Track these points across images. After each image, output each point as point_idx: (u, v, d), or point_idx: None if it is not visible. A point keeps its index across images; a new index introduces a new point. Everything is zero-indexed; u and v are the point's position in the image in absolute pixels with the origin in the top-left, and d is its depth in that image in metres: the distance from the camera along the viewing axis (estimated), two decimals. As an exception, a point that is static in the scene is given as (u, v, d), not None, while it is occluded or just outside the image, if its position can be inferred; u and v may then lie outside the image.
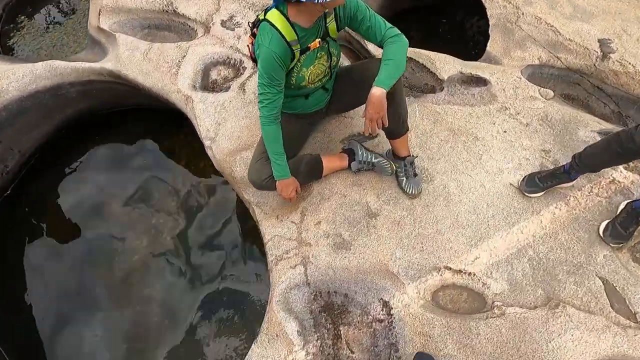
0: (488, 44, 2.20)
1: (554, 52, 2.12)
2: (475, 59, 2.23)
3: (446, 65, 2.06)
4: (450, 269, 1.48)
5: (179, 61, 2.07)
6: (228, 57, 2.08)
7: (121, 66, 2.09)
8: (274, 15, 1.26)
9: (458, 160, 1.73)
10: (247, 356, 1.37)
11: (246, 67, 2.03)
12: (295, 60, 1.32)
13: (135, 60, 2.09)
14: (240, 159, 1.72)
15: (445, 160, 1.74)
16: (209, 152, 1.81)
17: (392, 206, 1.61)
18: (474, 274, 1.47)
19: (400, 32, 1.33)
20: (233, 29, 2.17)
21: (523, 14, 2.21)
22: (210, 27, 2.20)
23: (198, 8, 2.24)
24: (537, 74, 2.13)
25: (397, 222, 1.56)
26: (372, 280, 1.46)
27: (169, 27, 2.30)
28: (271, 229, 1.58)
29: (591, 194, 1.64)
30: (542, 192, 1.60)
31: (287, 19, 1.26)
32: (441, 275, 1.47)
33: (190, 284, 1.99)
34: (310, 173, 1.60)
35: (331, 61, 1.42)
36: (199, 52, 2.09)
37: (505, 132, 1.89)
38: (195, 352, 1.83)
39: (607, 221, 1.52)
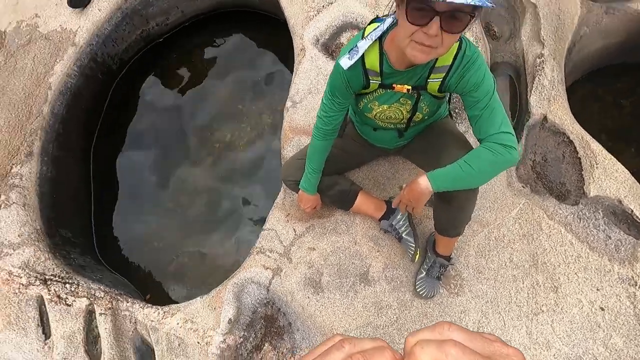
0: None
1: None
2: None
3: (609, 175, 1.49)
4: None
5: (323, 6, 1.92)
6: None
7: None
8: (372, 29, 1.01)
9: (507, 298, 1.37)
10: (184, 304, 1.53)
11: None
12: (369, 89, 1.09)
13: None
14: (296, 141, 1.65)
15: (491, 287, 1.38)
16: (284, 114, 1.77)
17: (389, 287, 1.41)
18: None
19: (513, 145, 0.96)
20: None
21: None
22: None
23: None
24: None
25: (379, 306, 1.38)
26: (314, 335, 1.39)
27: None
28: (275, 222, 1.56)
29: None
30: None
31: (381, 44, 1.00)
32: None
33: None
34: (338, 201, 1.46)
35: (414, 115, 1.13)
36: (346, 6, 1.89)
37: (602, 309, 1.37)
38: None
39: None
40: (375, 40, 0.99)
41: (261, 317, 1.48)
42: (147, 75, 2.60)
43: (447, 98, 1.31)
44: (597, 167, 1.59)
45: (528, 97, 1.77)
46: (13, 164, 1.93)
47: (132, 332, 1.56)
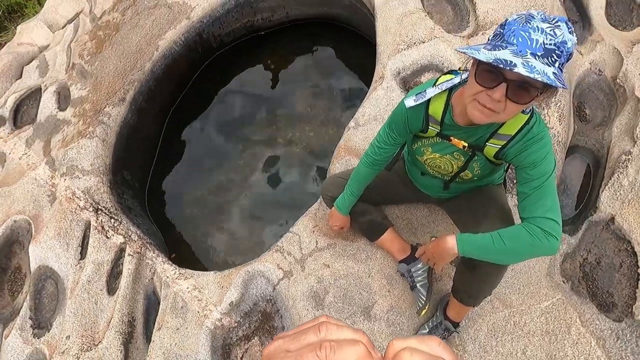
0: None
1: None
2: None
3: None
4: None
5: (415, 43, 1.96)
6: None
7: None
8: (445, 80, 1.03)
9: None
10: (198, 273, 1.63)
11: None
12: (427, 134, 1.10)
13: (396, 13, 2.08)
14: (345, 160, 1.70)
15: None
16: (345, 131, 1.83)
17: (388, 330, 1.38)
18: None
19: (556, 235, 0.92)
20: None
21: None
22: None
23: None
24: None
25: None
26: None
27: None
28: (302, 227, 1.62)
29: None
30: None
31: (449, 96, 1.02)
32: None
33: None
34: (366, 230, 1.48)
35: (463, 172, 1.12)
36: (437, 48, 1.91)
37: None
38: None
39: None
40: (445, 90, 1.01)
41: (260, 311, 1.54)
42: (239, 59, 2.83)
43: (505, 167, 1.27)
44: (656, 290, 1.42)
45: (600, 191, 1.64)
46: (107, 104, 2.21)
47: (149, 280, 1.71)
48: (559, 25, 0.77)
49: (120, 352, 1.51)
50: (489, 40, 0.84)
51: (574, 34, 0.79)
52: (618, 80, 1.86)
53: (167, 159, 2.47)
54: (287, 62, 2.80)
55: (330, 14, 2.78)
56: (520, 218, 0.99)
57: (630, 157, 1.66)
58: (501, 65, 0.74)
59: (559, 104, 1.72)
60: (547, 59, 0.76)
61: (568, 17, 2.17)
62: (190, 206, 2.30)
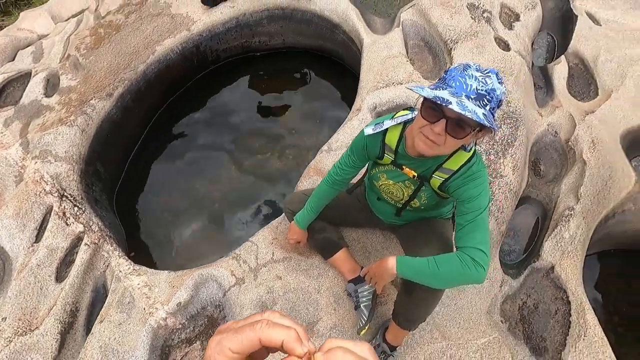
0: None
1: None
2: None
3: (593, 354, 1.42)
4: None
5: (392, 83, 2.11)
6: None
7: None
8: (402, 115, 1.14)
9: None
10: (152, 271, 1.64)
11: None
12: (383, 162, 1.20)
13: (380, 54, 2.25)
14: (313, 180, 1.78)
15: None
16: (318, 154, 1.93)
17: (329, 348, 1.41)
18: None
19: (483, 265, 1.01)
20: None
21: None
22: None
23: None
24: None
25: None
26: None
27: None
28: (261, 238, 1.66)
29: None
30: None
31: (403, 130, 1.13)
32: None
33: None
34: (320, 247, 1.54)
35: (412, 200, 1.22)
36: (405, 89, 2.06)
37: None
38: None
39: None
40: (400, 123, 1.13)
41: (207, 316, 1.54)
42: (233, 76, 2.95)
43: (454, 203, 1.38)
44: (584, 339, 1.51)
45: (543, 241, 1.76)
46: (94, 97, 2.26)
47: (101, 273, 1.70)
48: (490, 75, 0.90)
49: (56, 341, 1.47)
50: (435, 83, 0.97)
51: (503, 84, 0.92)
52: (570, 143, 2.05)
53: (144, 160, 2.50)
54: (277, 84, 2.94)
55: (324, 47, 2.96)
56: (456, 247, 1.08)
57: (572, 212, 1.80)
58: (438, 102, 0.85)
59: (514, 155, 1.87)
60: (479, 101, 0.89)
61: (535, 83, 2.40)
62: (159, 208, 2.31)
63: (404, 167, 1.16)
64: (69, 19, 3.05)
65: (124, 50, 2.52)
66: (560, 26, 2.80)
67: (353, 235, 1.64)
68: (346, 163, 1.30)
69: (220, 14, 2.73)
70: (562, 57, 2.49)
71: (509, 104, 2.03)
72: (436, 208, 1.27)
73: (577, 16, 2.66)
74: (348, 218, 1.58)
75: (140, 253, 2.12)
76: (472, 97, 0.89)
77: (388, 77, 2.15)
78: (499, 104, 0.94)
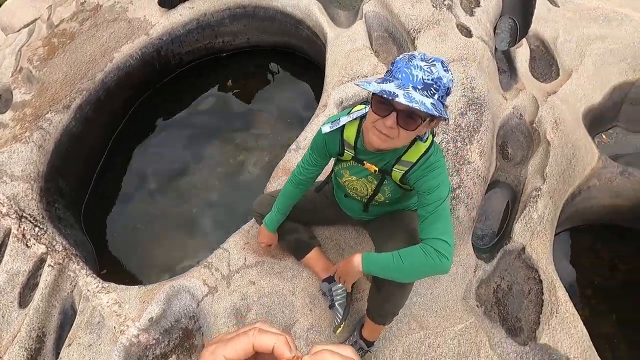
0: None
1: None
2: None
3: (565, 329, 1.45)
4: None
5: (357, 77, 2.10)
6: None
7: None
8: (358, 110, 1.12)
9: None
10: (121, 287, 1.59)
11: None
12: (344, 158, 1.19)
13: (344, 48, 2.22)
14: (282, 181, 1.75)
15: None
16: (287, 153, 1.90)
17: (306, 349, 1.40)
18: None
19: (447, 255, 1.00)
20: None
21: None
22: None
23: None
24: None
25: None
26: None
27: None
28: (232, 244, 1.63)
29: None
30: None
31: (360, 125, 1.11)
32: None
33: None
34: (291, 248, 1.52)
35: (375, 195, 1.21)
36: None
37: None
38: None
39: None
40: (357, 118, 1.11)
41: (181, 328, 1.50)
42: (200, 78, 2.88)
43: None
44: (556, 316, 1.54)
45: (513, 223, 1.79)
46: (50, 110, 2.17)
47: (68, 294, 1.63)
48: (434, 64, 0.89)
49: (23, 370, 1.41)
50: (383, 76, 0.95)
51: (449, 72, 0.91)
52: (534, 124, 2.08)
53: (111, 172, 2.41)
54: (246, 85, 2.88)
55: (289, 43, 2.92)
56: (419, 239, 1.07)
57: (539, 193, 1.84)
58: (385, 96, 0.84)
59: (481, 141, 1.89)
60: (427, 91, 0.88)
61: (498, 67, 2.42)
62: (129, 221, 2.24)
63: (364, 162, 1.15)
64: (20, 29, 2.91)
65: (80, 59, 2.42)
66: (520, 9, 2.84)
67: (325, 233, 1.63)
68: (308, 162, 1.28)
69: (179, 16, 2.65)
70: (524, 40, 2.52)
71: (474, 90, 2.05)
72: (402, 201, 1.27)
73: (535, -1, 2.70)
74: (318, 216, 1.56)
75: (112, 269, 2.05)
76: (419, 87, 0.88)
77: (353, 70, 2.13)
78: (448, 91, 0.93)
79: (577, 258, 2.22)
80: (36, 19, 2.89)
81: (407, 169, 1.09)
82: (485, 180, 1.87)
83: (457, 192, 1.73)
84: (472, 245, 1.76)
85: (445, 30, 2.31)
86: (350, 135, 1.14)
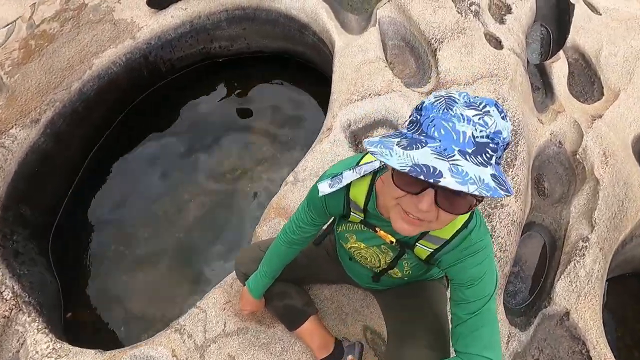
0: None
1: None
2: None
3: None
4: None
5: (369, 95, 1.79)
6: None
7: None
8: (367, 162, 0.82)
9: None
10: (77, 350, 1.30)
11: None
12: (350, 219, 0.89)
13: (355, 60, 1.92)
14: (275, 223, 1.45)
15: None
16: (282, 186, 1.60)
17: None
18: None
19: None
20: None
21: None
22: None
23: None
24: None
25: None
26: None
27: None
28: (210, 303, 1.33)
29: None
30: None
31: (373, 182, 0.81)
32: None
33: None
34: (282, 316, 1.22)
35: (390, 269, 0.91)
36: (393, 102, 1.75)
37: None
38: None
39: None
40: (367, 175, 0.80)
41: (143, 410, 1.22)
42: (194, 87, 2.59)
43: None
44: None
45: (555, 280, 1.47)
46: (15, 125, 1.90)
47: (13, 354, 1.36)
48: (489, 112, 0.58)
49: None
50: (406, 128, 0.64)
51: (507, 119, 0.60)
52: (577, 156, 1.76)
53: (86, 194, 2.14)
54: (246, 95, 2.59)
55: (293, 50, 2.62)
56: (453, 347, 0.77)
57: (587, 244, 1.51)
58: (421, 177, 0.52)
59: (516, 177, 1.57)
60: (481, 156, 0.56)
61: (531, 83, 2.09)
62: (105, 253, 1.96)
63: (377, 229, 0.85)
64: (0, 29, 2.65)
65: (55, 65, 2.15)
66: (555, 17, 2.50)
67: (325, 293, 1.32)
68: (303, 220, 0.98)
69: (170, 18, 2.37)
70: (561, 52, 2.19)
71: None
72: (424, 275, 0.96)
73: (573, 5, 2.36)
74: (316, 274, 1.26)
75: (80, 310, 1.78)
76: (470, 150, 0.57)
77: (364, 87, 1.83)
78: (506, 147, 0.62)
79: (622, 309, 1.90)
80: (18, 18, 2.63)
81: (437, 247, 0.79)
82: (520, 227, 1.55)
83: (487, 243, 1.41)
84: (503, 305, 1.45)
85: (472, 40, 1.99)
86: (358, 195, 0.83)
